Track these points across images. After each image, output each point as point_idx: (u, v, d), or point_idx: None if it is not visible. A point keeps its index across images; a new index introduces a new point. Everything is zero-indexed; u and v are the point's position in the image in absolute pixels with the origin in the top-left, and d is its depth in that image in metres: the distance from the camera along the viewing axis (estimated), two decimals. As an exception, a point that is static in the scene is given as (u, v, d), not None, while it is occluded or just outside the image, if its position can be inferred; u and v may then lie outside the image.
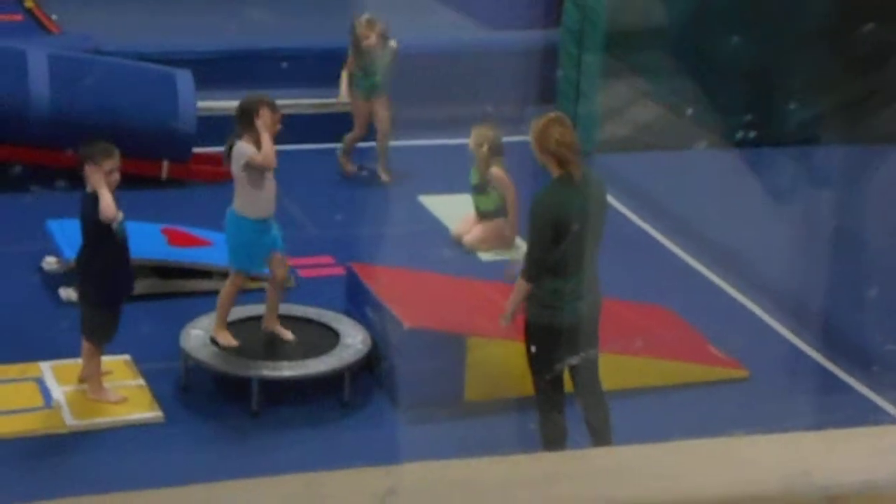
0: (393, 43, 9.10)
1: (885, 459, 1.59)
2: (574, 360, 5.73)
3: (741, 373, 6.92)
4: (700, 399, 6.64)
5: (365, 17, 9.06)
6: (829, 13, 9.72)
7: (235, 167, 6.41)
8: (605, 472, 1.53)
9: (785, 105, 9.61)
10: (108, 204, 5.98)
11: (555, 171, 5.65)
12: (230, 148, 6.45)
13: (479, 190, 8.35)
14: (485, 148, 8.19)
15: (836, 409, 6.56)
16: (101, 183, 6.01)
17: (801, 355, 7.24)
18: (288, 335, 6.60)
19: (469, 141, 8.31)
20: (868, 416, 6.46)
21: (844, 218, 8.30)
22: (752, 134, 9.15)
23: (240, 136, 6.43)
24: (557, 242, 5.53)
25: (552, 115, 5.88)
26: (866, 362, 6.97)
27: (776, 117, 9.69)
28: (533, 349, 5.71)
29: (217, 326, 6.53)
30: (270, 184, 6.47)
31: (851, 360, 7.07)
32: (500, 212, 8.31)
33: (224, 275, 7.53)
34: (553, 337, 5.65)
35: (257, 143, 6.38)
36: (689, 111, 9.14)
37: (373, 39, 8.98)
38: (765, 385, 6.83)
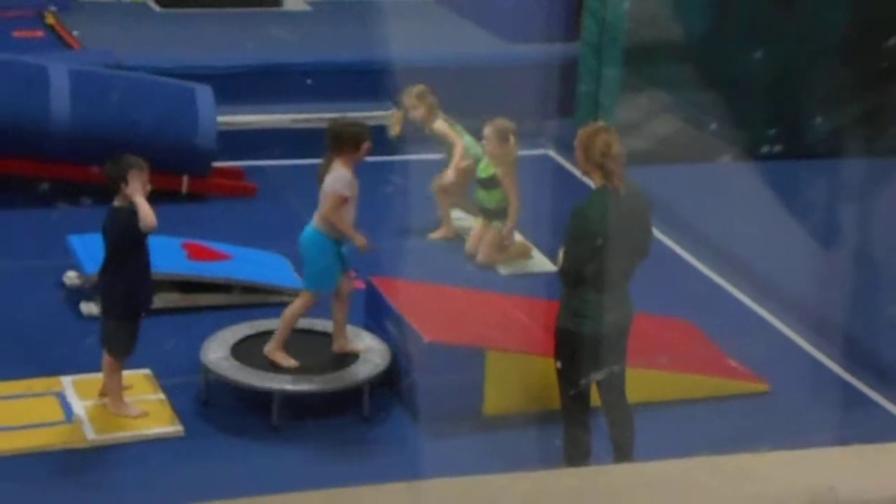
0: (439, 122, 8.67)
1: (911, 475, 1.58)
2: (602, 374, 5.72)
3: (762, 386, 6.89)
4: (720, 413, 6.61)
5: (417, 88, 8.68)
6: (849, 26, 9.70)
7: (331, 186, 6.39)
8: (629, 489, 1.53)
9: (807, 118, 9.59)
10: (147, 212, 6.03)
11: (598, 182, 5.64)
12: (327, 164, 6.47)
13: (485, 185, 8.32)
14: (493, 138, 8.14)
15: (858, 424, 6.52)
16: (140, 193, 6.06)
17: (822, 369, 7.20)
18: (359, 346, 6.59)
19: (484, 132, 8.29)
20: (890, 430, 6.42)
21: (866, 231, 8.26)
22: (773, 147, 9.12)
23: (337, 156, 6.45)
24: (595, 253, 5.51)
25: (599, 124, 5.89)
26: (889, 377, 6.92)
27: (798, 130, 9.66)
28: (562, 359, 5.71)
29: (276, 347, 6.50)
30: (353, 201, 6.49)
31: (873, 374, 7.03)
32: (501, 212, 8.26)
33: (245, 289, 7.55)
34: (583, 347, 5.64)
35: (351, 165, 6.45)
36: (712, 125, 9.12)
37: (421, 110, 8.62)
38: (786, 399, 6.79)
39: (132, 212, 6.14)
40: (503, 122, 8.28)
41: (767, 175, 9.00)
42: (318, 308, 7.43)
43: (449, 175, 8.53)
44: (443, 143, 8.71)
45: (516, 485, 1.52)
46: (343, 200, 6.44)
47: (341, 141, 6.49)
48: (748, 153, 9.06)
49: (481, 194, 8.35)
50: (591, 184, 5.75)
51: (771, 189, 8.79)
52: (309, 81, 9.90)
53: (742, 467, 1.59)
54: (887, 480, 1.58)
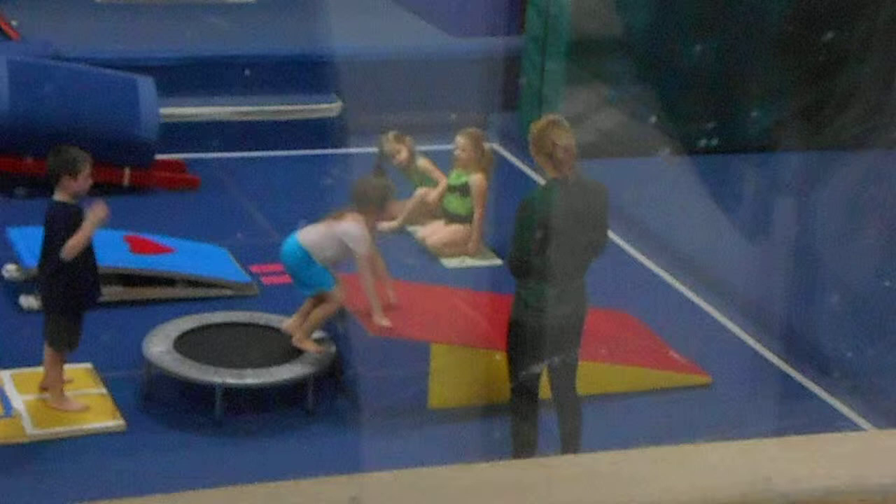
0: (422, 161, 8.61)
1: (845, 466, 1.61)
2: (551, 364, 5.75)
3: (704, 379, 6.96)
4: (663, 405, 6.67)
5: (392, 133, 8.59)
6: (789, 21, 9.80)
7: (356, 247, 6.49)
8: (571, 480, 1.54)
9: (745, 112, 9.68)
10: (78, 243, 5.97)
11: (550, 174, 5.68)
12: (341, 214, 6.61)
13: (455, 191, 8.34)
14: (468, 148, 8.20)
15: (797, 414, 6.61)
16: (92, 226, 6.01)
17: (762, 361, 7.29)
18: (313, 348, 6.57)
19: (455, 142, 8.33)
20: (828, 422, 6.51)
21: (805, 224, 8.37)
22: (713, 141, 9.20)
23: (360, 213, 6.57)
24: (544, 243, 5.54)
25: (551, 117, 5.93)
26: (826, 368, 7.02)
27: (737, 124, 9.75)
28: (512, 350, 5.74)
29: (304, 338, 6.55)
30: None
31: (812, 365, 7.13)
32: (469, 218, 8.32)
33: (188, 283, 7.50)
34: (532, 339, 5.67)
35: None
36: (652, 118, 9.19)
37: (404, 153, 8.52)
38: (727, 391, 6.87)
39: (75, 206, 6.09)
40: (476, 131, 8.33)
41: (706, 169, 9.08)
42: (260, 302, 7.42)
43: (433, 198, 8.42)
44: (422, 181, 8.57)
45: (459, 477, 1.53)
46: (369, 259, 6.56)
47: (367, 199, 6.56)
48: (686, 147, 9.14)
49: (454, 202, 8.35)
50: (543, 178, 5.79)
51: (711, 182, 8.87)
52: (247, 73, 9.84)
53: (681, 458, 1.62)
54: (823, 470, 1.61)
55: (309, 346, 6.55)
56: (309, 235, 6.63)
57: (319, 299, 6.60)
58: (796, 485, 1.56)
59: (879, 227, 8.09)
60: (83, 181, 6.09)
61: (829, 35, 9.22)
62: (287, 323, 6.69)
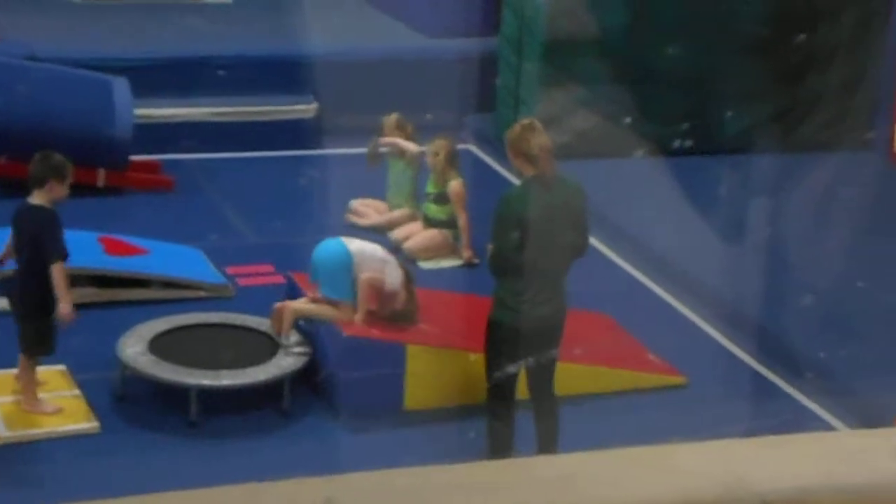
0: (411, 146, 8.50)
1: (819, 465, 1.62)
2: (529, 365, 5.76)
3: (679, 379, 6.98)
4: (639, 406, 6.69)
5: (394, 116, 8.55)
6: (763, 24, 9.85)
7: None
8: (546, 481, 1.54)
9: (720, 114, 9.72)
10: (66, 311, 5.95)
11: (528, 173, 5.70)
12: None
13: (435, 199, 8.34)
14: (441, 157, 8.22)
15: (771, 415, 6.64)
16: (63, 284, 5.96)
17: (737, 362, 7.32)
18: (285, 341, 6.60)
19: (426, 150, 8.33)
20: (802, 422, 6.55)
21: (779, 225, 8.40)
22: (687, 142, 9.24)
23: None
24: (521, 242, 5.55)
25: (525, 121, 5.97)
26: (800, 369, 7.06)
27: (711, 126, 9.79)
28: (490, 350, 5.74)
29: (291, 317, 6.61)
30: None
31: (786, 366, 7.16)
32: (449, 223, 8.32)
33: (162, 284, 7.48)
34: (510, 339, 5.68)
35: None
36: (627, 120, 9.21)
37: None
38: (702, 392, 6.89)
39: (52, 211, 6.06)
40: (445, 140, 8.31)
41: (681, 170, 9.12)
42: (235, 303, 7.40)
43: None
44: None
45: (434, 477, 1.54)
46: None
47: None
48: (661, 148, 9.17)
49: (432, 209, 8.35)
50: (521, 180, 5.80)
51: (685, 184, 8.90)
52: (221, 73, 9.81)
53: (656, 459, 1.62)
54: (796, 469, 1.62)
55: (283, 324, 6.54)
56: (361, 247, 6.67)
57: (331, 303, 6.60)
58: (770, 484, 1.57)
59: (851, 227, 8.14)
60: (66, 188, 6.10)
61: (801, 38, 9.27)
62: (287, 303, 6.70)
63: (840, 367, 6.96)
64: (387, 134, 8.63)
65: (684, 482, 1.56)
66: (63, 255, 5.98)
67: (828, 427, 6.53)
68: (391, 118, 8.64)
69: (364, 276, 6.54)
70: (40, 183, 6.05)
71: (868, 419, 6.31)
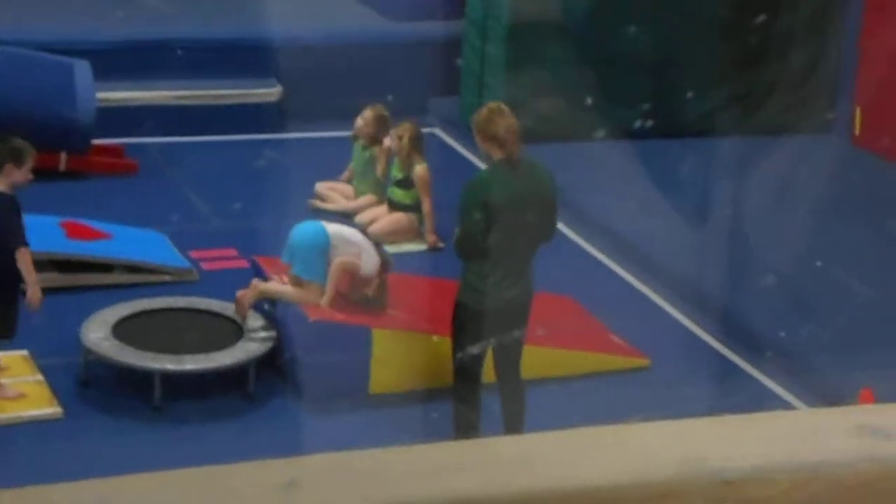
0: (387, 141, 8.40)
1: (778, 444, 1.64)
2: (496, 347, 5.78)
3: (642, 361, 7.02)
4: (602, 388, 6.73)
5: (373, 109, 8.42)
6: (725, 6, 9.89)
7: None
8: (508, 461, 1.55)
9: (682, 96, 9.75)
10: (35, 297, 5.88)
11: (496, 156, 5.70)
12: None
13: (400, 184, 8.32)
14: (405, 140, 8.19)
15: (732, 394, 6.70)
16: (30, 269, 5.90)
17: (699, 343, 7.38)
18: (242, 312, 6.62)
19: (391, 133, 8.30)
20: (762, 401, 6.61)
21: (740, 207, 8.46)
22: (649, 124, 9.27)
23: None
24: (488, 225, 5.56)
25: (493, 104, 5.98)
26: (761, 349, 7.12)
27: (673, 108, 9.82)
28: (457, 332, 5.76)
29: (254, 296, 6.65)
30: None
31: (748, 347, 7.22)
32: (415, 207, 8.31)
33: (125, 268, 7.44)
34: (476, 322, 5.69)
35: None
36: (590, 102, 9.23)
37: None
38: (665, 373, 6.94)
39: (11, 196, 6.01)
40: (409, 125, 8.24)
41: (643, 152, 9.15)
42: (200, 287, 7.38)
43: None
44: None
45: (397, 458, 1.54)
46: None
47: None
48: (624, 131, 9.20)
49: (398, 193, 8.33)
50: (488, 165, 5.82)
51: (647, 166, 8.94)
52: (184, 56, 9.75)
53: (615, 438, 1.64)
54: (756, 448, 1.64)
55: (243, 304, 6.54)
56: (340, 231, 6.65)
57: (300, 283, 6.58)
58: (729, 462, 1.58)
59: (812, 209, 8.21)
60: (26, 172, 6.04)
61: (762, 20, 9.31)
62: (254, 281, 6.69)
63: (800, 348, 7.03)
64: (365, 127, 8.49)
65: (644, 461, 1.57)
66: (24, 241, 5.94)
67: (788, 406, 6.60)
68: (369, 112, 8.48)
69: (339, 259, 6.53)
70: None
71: (828, 398, 6.38)
